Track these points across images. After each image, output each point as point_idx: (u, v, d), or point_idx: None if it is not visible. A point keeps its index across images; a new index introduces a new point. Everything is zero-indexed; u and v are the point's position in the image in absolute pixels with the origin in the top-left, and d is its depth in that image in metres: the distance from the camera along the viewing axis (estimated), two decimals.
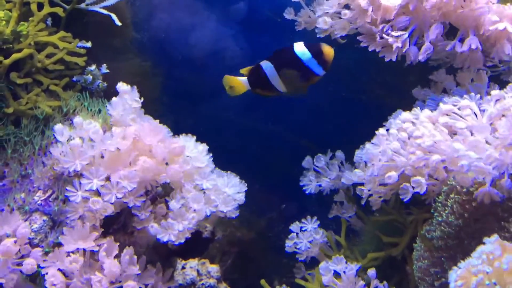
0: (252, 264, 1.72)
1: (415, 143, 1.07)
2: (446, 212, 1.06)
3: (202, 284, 1.51)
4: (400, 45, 1.20)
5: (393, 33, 1.20)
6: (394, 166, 1.12)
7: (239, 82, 1.28)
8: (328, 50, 1.21)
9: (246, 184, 1.40)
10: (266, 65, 1.24)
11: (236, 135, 1.84)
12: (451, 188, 1.06)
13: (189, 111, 1.87)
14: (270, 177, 1.81)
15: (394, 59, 1.25)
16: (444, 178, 1.10)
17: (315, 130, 1.81)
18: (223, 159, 1.59)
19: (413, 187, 1.10)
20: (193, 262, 1.54)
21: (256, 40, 1.88)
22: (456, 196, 1.05)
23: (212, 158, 1.44)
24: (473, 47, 1.17)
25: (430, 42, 1.22)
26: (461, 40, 1.21)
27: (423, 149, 1.07)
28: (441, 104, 1.13)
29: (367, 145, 1.21)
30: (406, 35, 1.21)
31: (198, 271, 1.53)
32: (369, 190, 1.20)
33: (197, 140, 1.50)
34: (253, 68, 1.26)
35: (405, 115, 1.16)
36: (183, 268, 1.53)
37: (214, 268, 1.58)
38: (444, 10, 1.20)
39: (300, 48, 1.21)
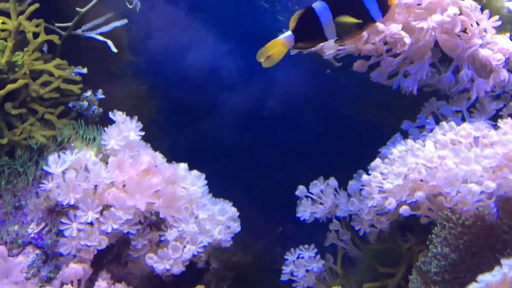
0: None
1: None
2: (441, 244, 1.05)
3: None
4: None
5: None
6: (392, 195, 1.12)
7: (279, 43, 1.08)
8: None
9: (238, 213, 1.40)
10: (320, 6, 1.05)
11: (233, 157, 1.84)
12: (446, 219, 1.06)
13: (185, 133, 1.87)
14: (267, 199, 1.81)
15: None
16: (441, 204, 1.10)
17: (312, 151, 1.81)
18: (220, 181, 1.58)
19: None
20: None
21: (254, 59, 1.89)
22: (451, 228, 1.04)
23: (208, 181, 1.43)
24: (465, 81, 1.18)
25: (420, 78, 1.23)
26: (454, 72, 1.23)
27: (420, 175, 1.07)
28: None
29: (364, 177, 1.21)
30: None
31: None
32: (368, 221, 1.20)
33: (193, 162, 1.50)
34: (303, 14, 1.07)
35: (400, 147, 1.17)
36: None
37: None
38: (438, 40, 1.21)
39: None
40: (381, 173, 1.16)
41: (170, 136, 1.79)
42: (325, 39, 1.10)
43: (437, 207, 1.11)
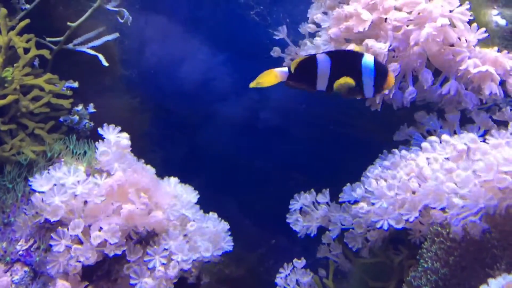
0: None
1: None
2: (431, 259, 1.04)
3: None
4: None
5: None
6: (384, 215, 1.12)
7: (272, 74, 1.14)
8: (391, 79, 1.08)
9: (230, 229, 1.39)
10: (322, 58, 1.11)
11: (226, 169, 1.84)
12: (436, 234, 1.06)
13: (178, 145, 1.87)
14: (261, 211, 1.81)
15: (379, 109, 1.27)
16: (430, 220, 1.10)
17: (305, 163, 1.81)
18: (213, 194, 1.58)
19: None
20: None
21: (247, 71, 1.90)
22: (441, 242, 1.04)
23: (201, 193, 1.42)
24: (452, 92, 1.19)
25: (413, 85, 1.23)
26: (443, 84, 1.23)
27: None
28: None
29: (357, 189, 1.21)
30: None
31: None
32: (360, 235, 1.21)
33: (186, 174, 1.49)
34: (306, 58, 1.13)
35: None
36: None
37: None
38: (428, 53, 1.22)
39: (369, 59, 1.07)
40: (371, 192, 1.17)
41: (162, 149, 1.79)
42: (315, 88, 1.14)
43: (428, 220, 1.12)
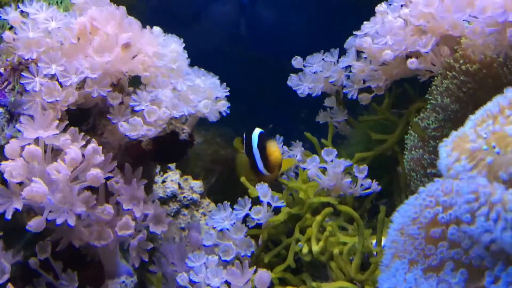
0: (236, 183, 1.66)
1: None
2: (441, 94, 0.96)
3: (184, 197, 1.45)
4: None
5: None
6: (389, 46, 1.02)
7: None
8: (274, 156, 1.09)
9: (228, 89, 1.30)
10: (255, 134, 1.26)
11: (221, 56, 1.74)
12: (448, 68, 0.96)
13: (168, 22, 1.75)
14: (257, 96, 1.73)
15: None
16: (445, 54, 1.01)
17: (305, 41, 1.70)
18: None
19: None
20: (174, 176, 1.47)
21: None
22: (453, 77, 0.95)
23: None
24: None
25: None
26: None
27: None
28: None
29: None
30: None
31: (179, 184, 1.47)
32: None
33: None
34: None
35: None
36: (164, 182, 1.46)
37: (197, 184, 1.51)
38: None
39: (255, 132, 1.19)
40: None
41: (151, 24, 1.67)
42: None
43: (440, 60, 1.02)
